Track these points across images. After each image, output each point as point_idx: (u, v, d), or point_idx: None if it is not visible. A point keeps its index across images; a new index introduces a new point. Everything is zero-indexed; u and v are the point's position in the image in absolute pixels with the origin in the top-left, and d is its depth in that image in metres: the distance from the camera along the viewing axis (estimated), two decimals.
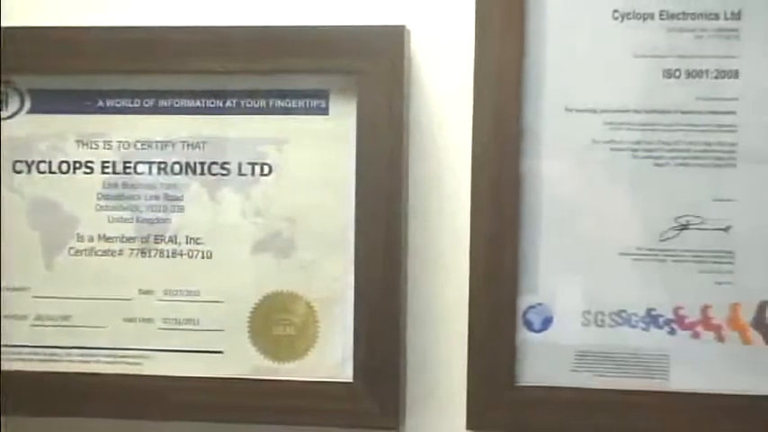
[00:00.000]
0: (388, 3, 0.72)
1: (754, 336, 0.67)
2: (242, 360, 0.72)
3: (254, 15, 0.73)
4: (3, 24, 0.72)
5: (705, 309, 0.68)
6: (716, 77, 0.67)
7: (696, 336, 0.68)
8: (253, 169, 0.72)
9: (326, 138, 0.71)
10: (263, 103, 0.72)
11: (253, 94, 0.72)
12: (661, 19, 0.68)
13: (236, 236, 0.72)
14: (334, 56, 0.70)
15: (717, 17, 0.67)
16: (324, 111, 0.71)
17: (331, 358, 0.72)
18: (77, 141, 0.74)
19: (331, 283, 0.71)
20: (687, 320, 0.68)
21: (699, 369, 0.68)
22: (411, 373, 0.73)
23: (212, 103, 0.72)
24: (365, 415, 0.70)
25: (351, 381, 0.70)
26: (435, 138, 0.73)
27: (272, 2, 0.74)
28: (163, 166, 0.73)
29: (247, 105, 0.72)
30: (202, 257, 0.73)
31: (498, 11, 0.68)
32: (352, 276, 0.70)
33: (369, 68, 0.69)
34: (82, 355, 0.74)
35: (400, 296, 0.70)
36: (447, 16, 0.72)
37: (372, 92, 0.69)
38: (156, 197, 0.73)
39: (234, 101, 0.72)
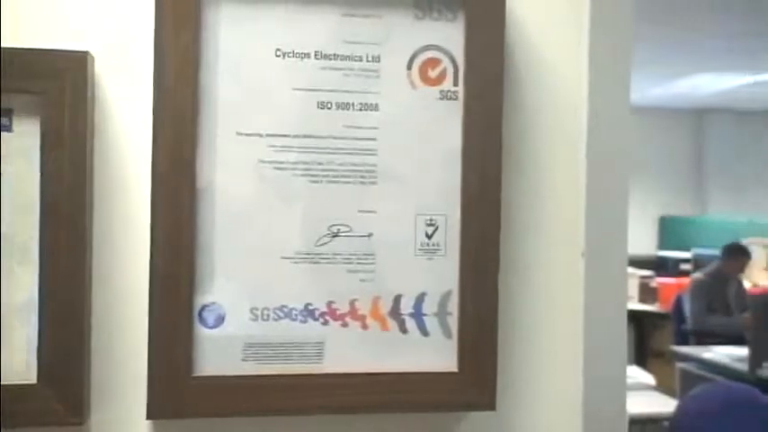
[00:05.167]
0: (77, 30, 0.78)
1: (391, 324, 0.81)
2: None
3: None
4: None
5: (353, 302, 0.81)
6: (360, 109, 0.81)
7: (345, 325, 0.81)
8: None
9: (11, 153, 0.75)
10: None
11: None
12: (316, 59, 0.80)
13: None
14: (18, 77, 0.74)
15: (361, 59, 0.81)
16: (8, 128, 0.75)
17: (17, 362, 0.75)
18: None
19: (16, 291, 0.75)
20: (338, 312, 0.80)
21: (348, 353, 0.80)
22: (96, 371, 0.79)
23: None
24: (51, 413, 0.75)
25: (35, 383, 0.75)
26: (121, 152, 0.79)
27: None
28: None
29: None
30: None
31: (174, 44, 0.76)
32: (37, 284, 0.75)
33: (52, 89, 0.74)
34: None
35: (84, 301, 0.76)
36: (130, 45, 0.79)
37: (55, 111, 0.75)
38: None
39: None
